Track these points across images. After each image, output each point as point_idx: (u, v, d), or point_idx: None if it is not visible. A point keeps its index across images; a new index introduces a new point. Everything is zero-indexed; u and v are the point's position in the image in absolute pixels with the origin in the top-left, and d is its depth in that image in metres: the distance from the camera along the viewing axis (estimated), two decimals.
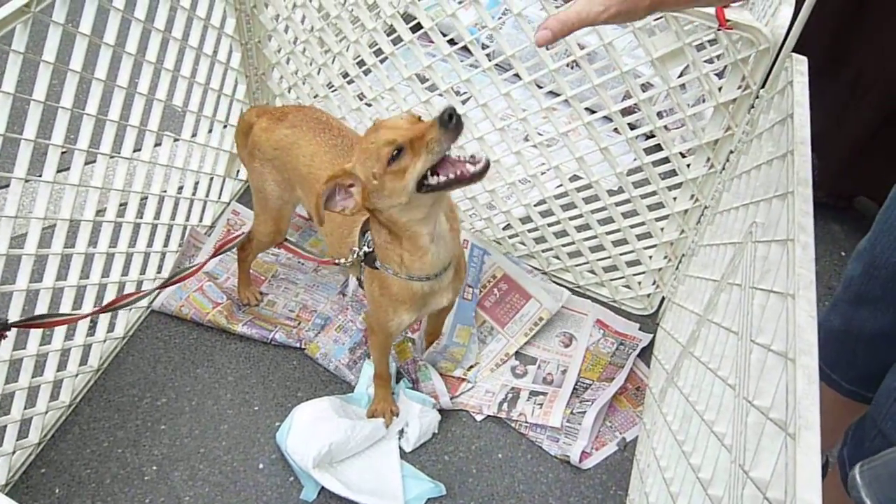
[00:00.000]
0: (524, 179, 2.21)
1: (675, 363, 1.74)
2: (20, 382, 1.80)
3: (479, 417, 2.03)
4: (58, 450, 1.92)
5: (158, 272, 2.24)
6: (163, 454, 1.92)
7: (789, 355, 0.91)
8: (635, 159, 1.94)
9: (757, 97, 1.67)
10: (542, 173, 2.16)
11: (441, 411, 2.01)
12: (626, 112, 1.89)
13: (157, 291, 1.99)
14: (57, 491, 1.84)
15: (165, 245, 2.25)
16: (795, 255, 1.02)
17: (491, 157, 2.14)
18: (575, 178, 2.12)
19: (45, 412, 1.89)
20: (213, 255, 1.93)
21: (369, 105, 2.29)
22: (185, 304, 2.19)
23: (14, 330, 1.58)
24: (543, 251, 2.34)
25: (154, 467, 1.89)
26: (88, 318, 1.90)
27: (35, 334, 1.80)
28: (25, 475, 1.86)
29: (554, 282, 2.35)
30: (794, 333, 0.91)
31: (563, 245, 2.26)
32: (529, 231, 2.30)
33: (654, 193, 1.98)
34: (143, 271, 2.16)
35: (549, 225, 2.23)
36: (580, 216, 2.14)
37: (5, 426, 1.79)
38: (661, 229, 2.07)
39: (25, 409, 1.82)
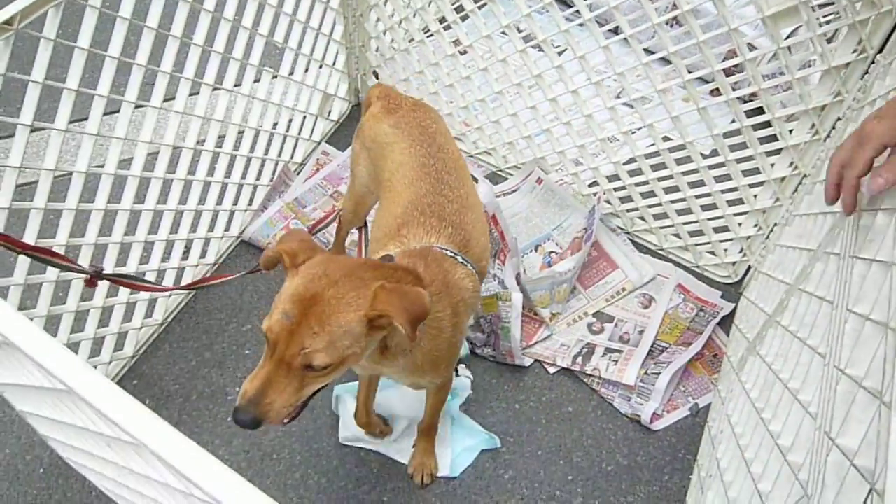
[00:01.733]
0: (614, 137, 2.18)
1: (758, 332, 1.71)
2: (119, 297, 1.90)
3: (552, 370, 2.04)
4: (149, 364, 2.03)
5: (249, 204, 2.31)
6: (245, 377, 2.00)
7: (891, 325, 0.89)
8: (733, 121, 1.89)
9: (873, 62, 1.59)
10: (634, 132, 2.12)
11: (514, 364, 2.04)
12: (727, 73, 1.83)
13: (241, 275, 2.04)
14: (147, 402, 1.95)
15: (258, 178, 2.32)
16: None
17: (584, 111, 2.12)
18: (667, 138, 2.08)
19: (139, 328, 2.00)
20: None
21: (464, 53, 2.28)
22: (271, 241, 2.26)
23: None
24: (628, 211, 2.31)
25: (237, 388, 1.97)
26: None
27: (135, 250, 1.90)
28: (119, 385, 1.96)
29: (635, 242, 2.32)
30: None
31: (650, 206, 2.23)
32: (616, 190, 2.27)
33: (750, 158, 1.93)
34: (235, 202, 2.23)
35: (637, 185, 2.20)
36: (670, 177, 2.10)
37: (104, 337, 1.90)
38: (755, 196, 2.01)
39: (122, 323, 1.94)
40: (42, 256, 1.44)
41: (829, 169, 1.14)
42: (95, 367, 1.90)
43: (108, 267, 1.81)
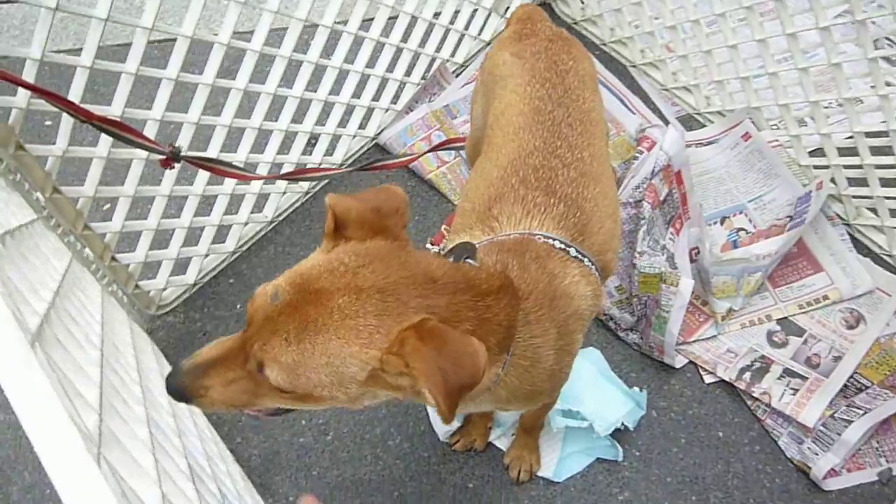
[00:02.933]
0: (861, 98, 1.64)
1: None
2: (224, 187, 1.68)
3: (708, 379, 1.64)
4: (250, 264, 1.83)
5: (393, 102, 1.99)
6: None
7: None
8: None
9: None
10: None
11: (662, 361, 1.65)
12: None
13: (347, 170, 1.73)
14: (238, 306, 1.76)
15: (407, 75, 1.98)
16: None
17: (831, 58, 1.60)
18: None
19: (244, 223, 1.78)
20: (434, 149, 1.59)
21: None
22: (408, 151, 1.94)
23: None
24: (856, 197, 1.78)
25: None
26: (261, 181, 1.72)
27: (248, 137, 1.65)
28: (214, 280, 1.80)
29: (855, 239, 1.80)
30: None
31: (889, 197, 1.70)
32: (847, 167, 1.75)
33: None
34: (376, 98, 1.92)
35: (879, 167, 1.68)
36: None
37: (203, 227, 1.70)
38: None
39: (225, 215, 1.72)
40: (111, 129, 1.20)
41: None
42: (190, 257, 1.71)
43: (213, 153, 1.57)
